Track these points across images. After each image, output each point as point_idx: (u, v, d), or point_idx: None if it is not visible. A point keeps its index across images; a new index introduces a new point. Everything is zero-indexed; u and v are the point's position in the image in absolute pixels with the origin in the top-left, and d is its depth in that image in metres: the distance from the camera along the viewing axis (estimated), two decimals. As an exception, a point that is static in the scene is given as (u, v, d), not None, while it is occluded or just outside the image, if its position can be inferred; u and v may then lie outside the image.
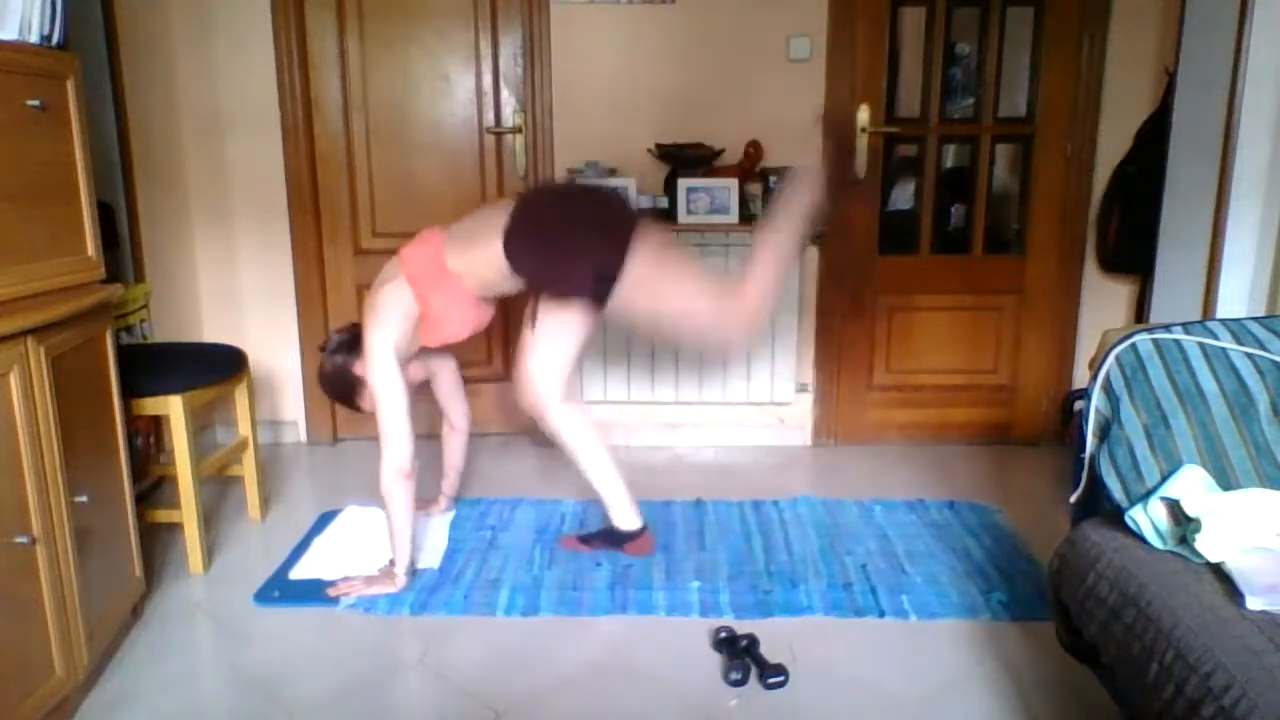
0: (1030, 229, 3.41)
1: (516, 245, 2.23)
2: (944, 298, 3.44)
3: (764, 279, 2.32)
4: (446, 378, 2.69)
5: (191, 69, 3.28)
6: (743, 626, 2.09)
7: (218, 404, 2.98)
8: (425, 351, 2.48)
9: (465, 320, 2.37)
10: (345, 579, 2.34)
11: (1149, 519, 1.56)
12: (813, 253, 3.40)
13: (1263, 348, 1.73)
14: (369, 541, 2.57)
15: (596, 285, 2.24)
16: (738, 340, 2.46)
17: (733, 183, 3.16)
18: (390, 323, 2.27)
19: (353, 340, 2.43)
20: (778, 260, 2.33)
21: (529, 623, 2.20)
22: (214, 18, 3.25)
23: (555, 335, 2.38)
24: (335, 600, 2.27)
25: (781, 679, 1.91)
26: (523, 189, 2.55)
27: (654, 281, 2.28)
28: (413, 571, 2.36)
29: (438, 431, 2.79)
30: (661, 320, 2.40)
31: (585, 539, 2.58)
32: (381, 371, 2.25)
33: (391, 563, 2.33)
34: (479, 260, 2.27)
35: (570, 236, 2.26)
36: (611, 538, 2.54)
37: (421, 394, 2.60)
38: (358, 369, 2.40)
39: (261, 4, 3.23)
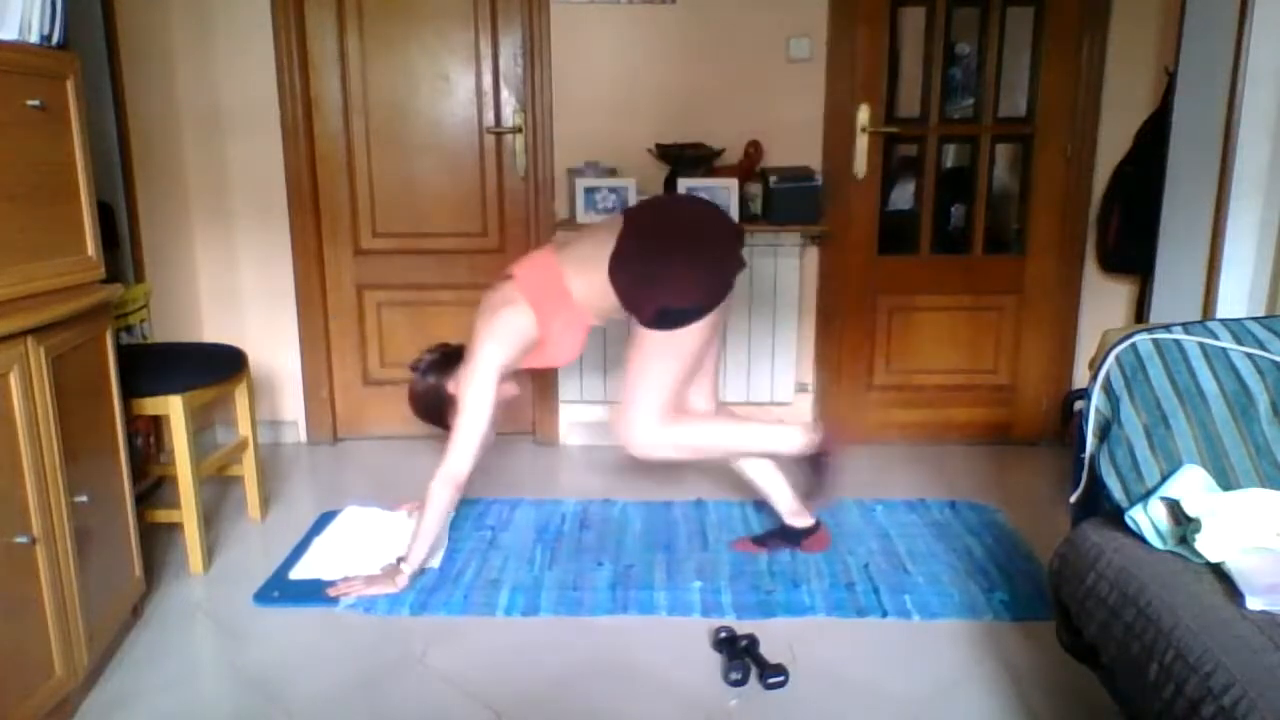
0: (1030, 229, 3.41)
1: (621, 277, 2.21)
2: (944, 298, 3.44)
3: (682, 441, 2.32)
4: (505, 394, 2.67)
5: (191, 69, 3.28)
6: (744, 626, 2.09)
7: (218, 404, 2.97)
8: None
9: (577, 346, 2.36)
10: (345, 579, 2.34)
11: (1149, 519, 1.56)
12: (813, 253, 3.40)
13: (1263, 348, 1.73)
14: (369, 541, 2.57)
15: (699, 314, 2.21)
16: (617, 431, 2.34)
17: (733, 183, 3.16)
18: (507, 345, 2.27)
19: (444, 360, 2.42)
20: (706, 453, 2.38)
21: (529, 623, 2.20)
22: (214, 18, 3.25)
23: (651, 367, 2.28)
24: (335, 600, 2.27)
25: (781, 679, 1.91)
26: (631, 205, 2.46)
27: (667, 343, 2.24)
28: (419, 573, 2.36)
29: (438, 432, 2.78)
30: (629, 364, 2.31)
31: (759, 540, 2.56)
32: (480, 387, 2.25)
33: (398, 560, 2.33)
34: (596, 289, 2.24)
35: (671, 272, 2.21)
36: (786, 536, 2.52)
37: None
38: (451, 387, 2.39)
39: (261, 4, 3.23)
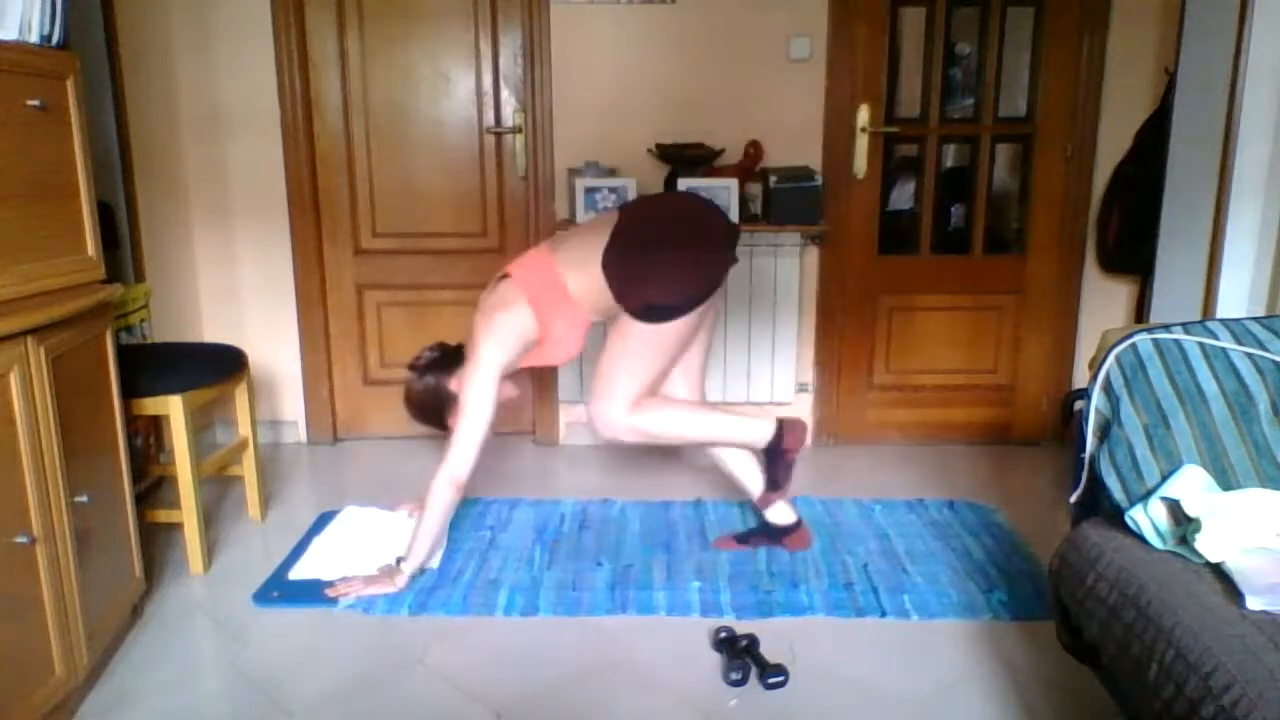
0: (1030, 229, 3.41)
1: (614, 271, 2.23)
2: (944, 298, 3.44)
3: (651, 429, 2.34)
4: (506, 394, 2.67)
5: (191, 69, 3.28)
6: (743, 626, 2.09)
7: (218, 404, 2.97)
8: None
9: (577, 345, 2.36)
10: (344, 579, 2.34)
11: (1149, 519, 1.56)
12: (813, 252, 3.40)
13: (1263, 348, 1.73)
14: (368, 541, 2.57)
15: (691, 307, 2.24)
16: (590, 414, 2.38)
17: (733, 183, 3.16)
18: (507, 345, 2.27)
19: (444, 359, 2.42)
20: (673, 440, 2.39)
21: (528, 623, 2.20)
22: (214, 18, 3.25)
23: (632, 359, 2.32)
24: (334, 600, 2.27)
25: (781, 679, 1.91)
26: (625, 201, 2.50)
27: (651, 336, 2.27)
28: (418, 572, 2.36)
29: (439, 432, 2.78)
30: (607, 348, 2.34)
31: (741, 538, 2.56)
32: (481, 388, 2.25)
33: (398, 560, 2.33)
34: (591, 285, 2.25)
35: (661, 267, 2.24)
36: (769, 533, 2.53)
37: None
38: (453, 385, 2.38)
39: (261, 4, 3.23)
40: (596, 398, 2.34)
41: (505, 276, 2.34)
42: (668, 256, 2.25)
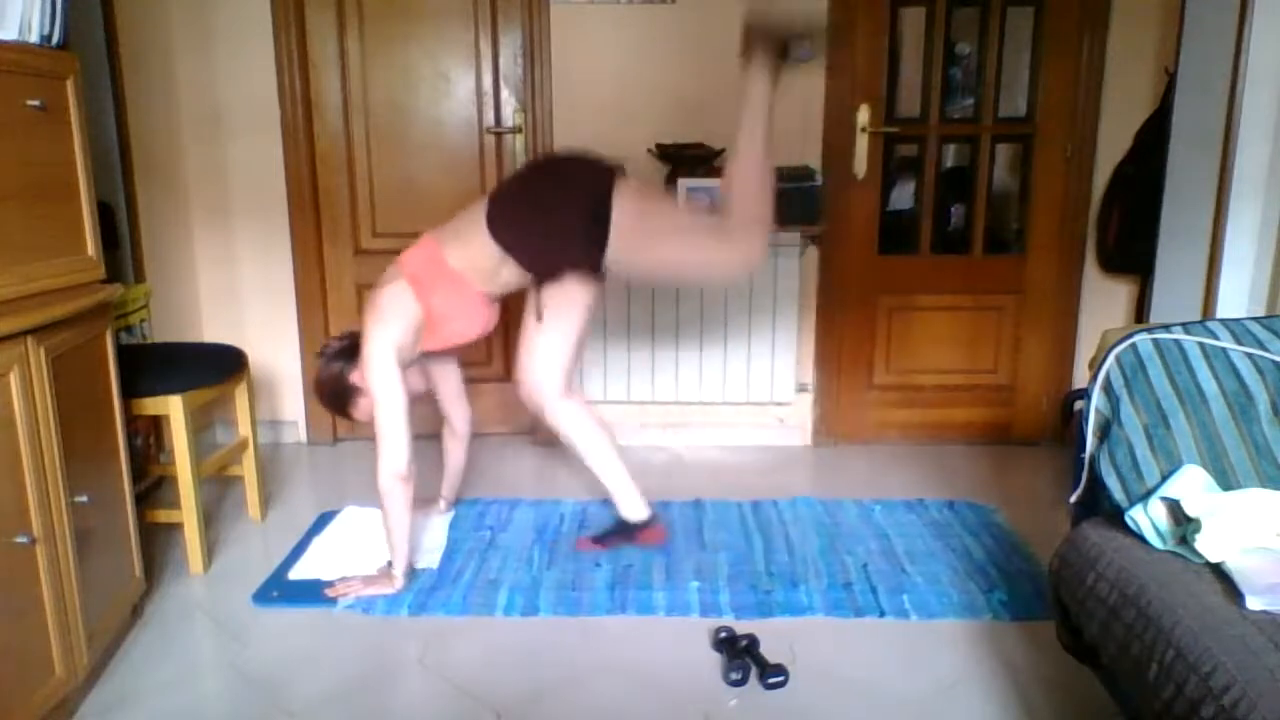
0: (1030, 229, 3.41)
1: (500, 224, 2.24)
2: (944, 298, 3.44)
3: (751, 201, 2.28)
4: (450, 383, 2.68)
5: (191, 69, 3.28)
6: (743, 626, 2.09)
7: (218, 404, 2.97)
8: (428, 356, 2.47)
9: (472, 320, 2.36)
10: (344, 579, 2.34)
11: (1149, 519, 1.56)
12: (813, 252, 3.40)
13: (1263, 348, 1.73)
14: (368, 542, 2.57)
15: (585, 245, 2.24)
16: (743, 274, 2.43)
17: (733, 183, 3.15)
18: (390, 323, 2.26)
19: (352, 347, 2.40)
20: (758, 176, 2.29)
21: (528, 623, 2.20)
22: (214, 18, 3.25)
23: (555, 327, 2.39)
24: (334, 600, 2.27)
25: (781, 679, 1.91)
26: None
27: (644, 234, 2.27)
28: (411, 573, 2.35)
29: (438, 431, 2.78)
30: (661, 272, 2.40)
31: (599, 538, 2.58)
32: (381, 372, 2.24)
33: (390, 564, 2.33)
34: (474, 252, 2.27)
35: (549, 199, 2.26)
36: (624, 531, 2.56)
37: (425, 398, 2.60)
38: (354, 377, 2.38)
39: (261, 4, 3.23)
40: (524, 369, 2.45)
41: (397, 263, 2.36)
42: (547, 194, 2.28)
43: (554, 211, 2.25)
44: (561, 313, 2.38)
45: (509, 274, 2.31)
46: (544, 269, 2.33)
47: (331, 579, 2.35)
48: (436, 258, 2.28)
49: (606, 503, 2.90)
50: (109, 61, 2.88)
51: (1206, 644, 1.24)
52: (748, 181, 2.28)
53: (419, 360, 2.43)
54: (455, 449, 2.78)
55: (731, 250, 2.29)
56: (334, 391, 2.43)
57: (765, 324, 3.35)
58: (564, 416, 2.47)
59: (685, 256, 2.34)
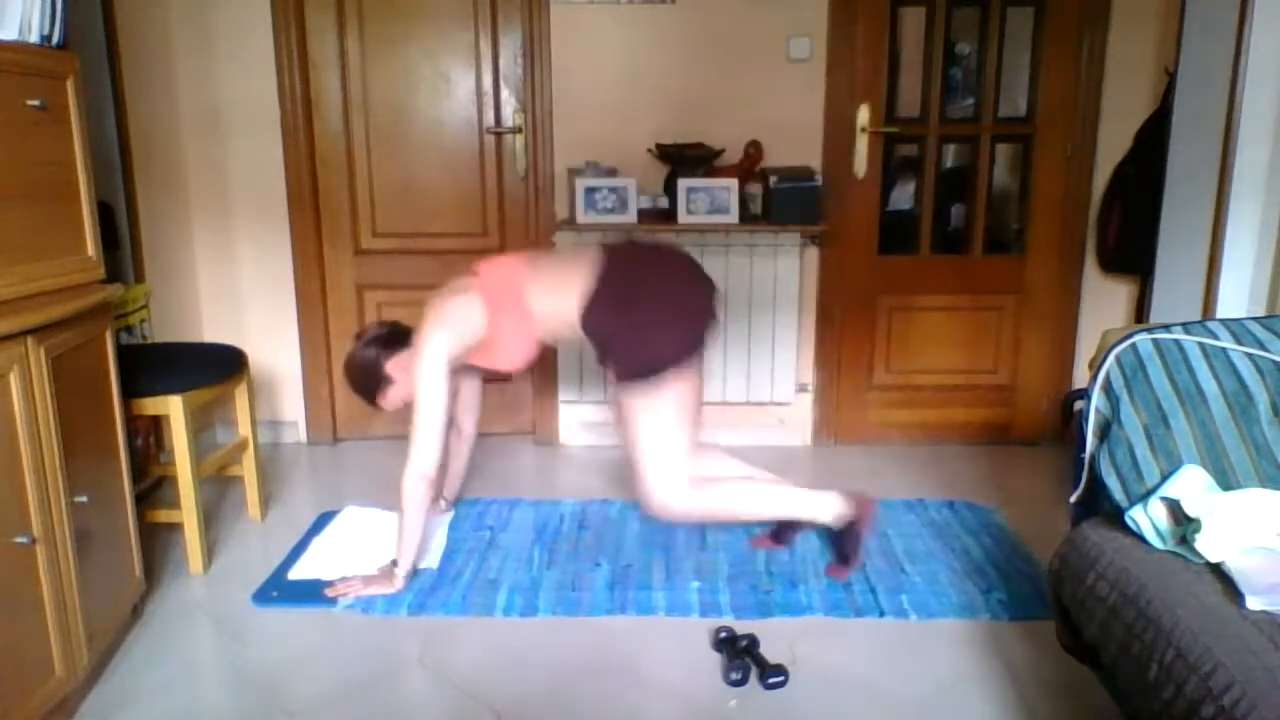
0: (1030, 229, 3.41)
1: (595, 314, 2.20)
2: (944, 298, 3.44)
3: (714, 506, 2.31)
4: (471, 390, 2.68)
5: (191, 69, 3.28)
6: (743, 626, 2.09)
7: (218, 404, 2.97)
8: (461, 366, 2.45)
9: (520, 356, 2.35)
10: (344, 579, 2.33)
11: (1149, 519, 1.56)
12: (813, 252, 3.40)
13: (1263, 348, 1.73)
14: (368, 542, 2.57)
15: (642, 368, 2.20)
16: (642, 501, 2.30)
17: (733, 183, 3.16)
18: (453, 330, 2.25)
19: (389, 337, 2.41)
20: (740, 517, 2.38)
21: (528, 623, 2.19)
22: (214, 18, 3.25)
23: (652, 425, 2.24)
24: (334, 600, 2.27)
25: (781, 679, 1.91)
26: (609, 242, 2.40)
27: (659, 400, 2.23)
28: (413, 573, 2.35)
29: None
30: (626, 432, 2.28)
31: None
32: (429, 374, 2.22)
33: (393, 562, 2.33)
34: (559, 315, 2.24)
35: (653, 318, 2.21)
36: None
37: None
38: (389, 367, 2.39)
39: (261, 4, 3.23)
40: (645, 484, 2.25)
41: (474, 274, 2.34)
42: (657, 309, 2.21)
43: (664, 340, 2.20)
44: (647, 409, 2.24)
45: (573, 342, 2.32)
46: (632, 377, 2.22)
47: (331, 579, 2.35)
48: (518, 290, 2.25)
49: (606, 502, 2.91)
50: (109, 61, 2.88)
51: (1206, 644, 1.24)
52: (727, 509, 2.37)
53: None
54: (460, 451, 2.78)
55: (659, 483, 2.26)
56: (365, 377, 2.43)
57: (765, 324, 3.35)
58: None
59: (642, 441, 2.25)
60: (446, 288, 2.33)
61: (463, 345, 2.27)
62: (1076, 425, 1.84)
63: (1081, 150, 3.32)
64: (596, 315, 2.21)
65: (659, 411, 2.22)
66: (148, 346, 2.86)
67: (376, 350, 2.41)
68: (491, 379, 2.49)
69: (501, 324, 2.27)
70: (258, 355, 3.36)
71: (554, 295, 2.25)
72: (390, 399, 2.44)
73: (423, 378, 2.23)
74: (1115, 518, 1.64)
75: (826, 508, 2.36)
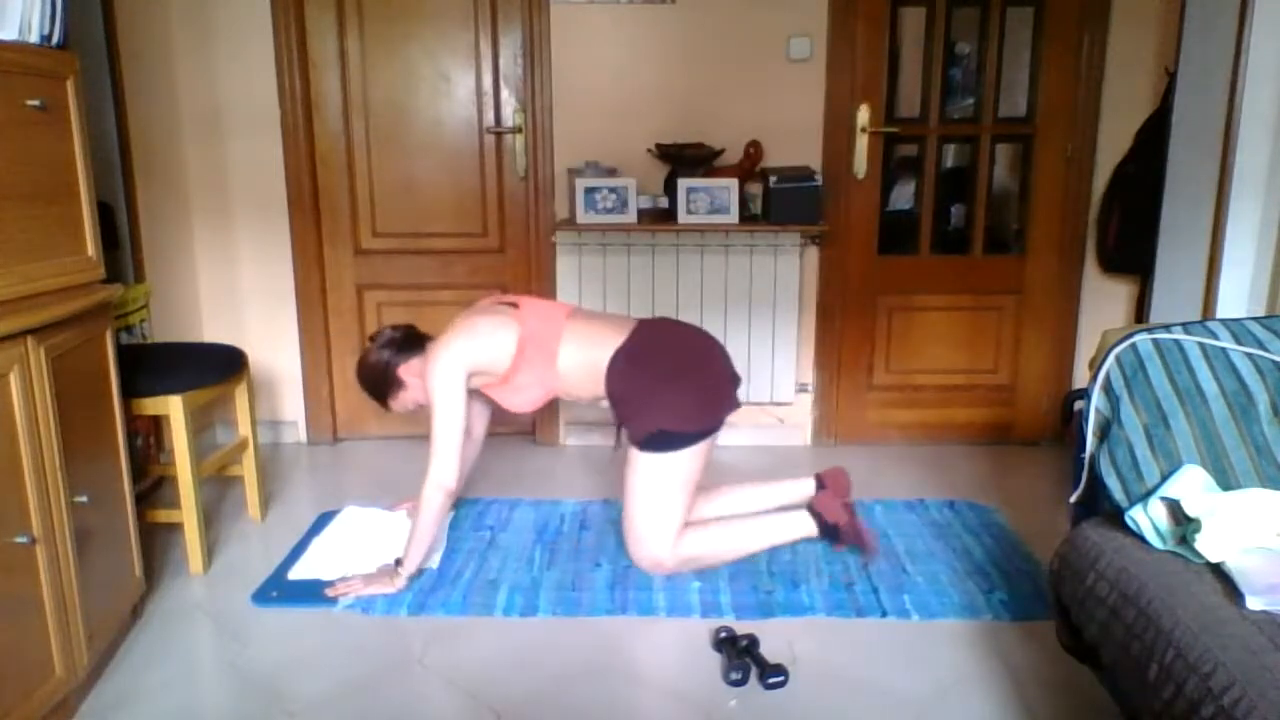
0: (1030, 229, 3.41)
1: (624, 372, 2.25)
2: (944, 298, 3.44)
3: (698, 554, 2.35)
4: (483, 398, 2.68)
5: (191, 69, 3.28)
6: (744, 627, 2.09)
7: (218, 404, 2.97)
8: None
9: (533, 403, 2.37)
10: (344, 579, 2.33)
11: (1149, 519, 1.56)
12: (813, 252, 3.40)
13: (1263, 348, 1.73)
14: (368, 541, 2.57)
15: (659, 436, 2.25)
16: (635, 559, 2.37)
17: (733, 183, 3.16)
18: (477, 347, 2.26)
19: (404, 340, 2.41)
20: (725, 559, 2.38)
21: (528, 623, 2.19)
22: (214, 17, 3.25)
23: (655, 490, 2.32)
24: (334, 600, 2.27)
25: (781, 679, 1.91)
26: (648, 318, 2.49)
27: (667, 468, 2.28)
28: (418, 573, 2.35)
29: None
30: (627, 489, 2.34)
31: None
32: (444, 381, 2.23)
33: (397, 562, 2.33)
34: (589, 359, 2.27)
35: (679, 393, 2.26)
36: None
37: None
38: (401, 370, 2.39)
39: (261, 4, 3.23)
40: (640, 546, 2.34)
41: (513, 305, 2.35)
42: (683, 381, 2.27)
43: (687, 413, 2.27)
44: (667, 473, 2.30)
45: (588, 400, 2.34)
46: (648, 446, 2.29)
47: (331, 579, 2.35)
48: (552, 343, 2.27)
49: (607, 502, 2.91)
50: (109, 61, 2.87)
51: (1206, 644, 1.24)
52: (714, 553, 2.40)
53: None
54: (467, 453, 2.77)
55: (650, 544, 2.34)
56: (377, 378, 2.43)
57: (765, 324, 3.35)
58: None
59: (639, 507, 2.33)
60: (477, 307, 2.33)
61: (480, 366, 2.28)
62: (1076, 425, 1.84)
63: (1081, 150, 3.32)
64: (624, 374, 2.25)
65: (665, 479, 2.30)
66: (148, 346, 2.86)
67: (390, 354, 2.41)
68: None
69: (524, 368, 2.28)
70: (258, 355, 3.36)
71: (588, 346, 2.28)
72: (401, 401, 2.45)
73: (437, 382, 2.24)
74: (1115, 518, 1.64)
75: (801, 526, 2.44)
